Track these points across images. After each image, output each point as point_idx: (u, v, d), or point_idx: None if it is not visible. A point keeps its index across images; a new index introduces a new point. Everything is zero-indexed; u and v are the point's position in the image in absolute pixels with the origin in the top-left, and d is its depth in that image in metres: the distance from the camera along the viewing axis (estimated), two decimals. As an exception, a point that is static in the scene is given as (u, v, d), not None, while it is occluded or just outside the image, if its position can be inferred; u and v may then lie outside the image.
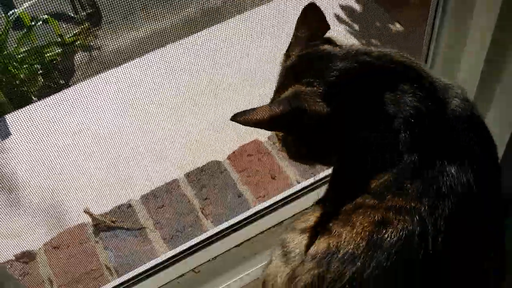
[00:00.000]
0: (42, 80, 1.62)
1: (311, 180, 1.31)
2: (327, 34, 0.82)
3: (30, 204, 1.47)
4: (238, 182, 1.44)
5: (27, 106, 1.36)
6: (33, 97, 1.64)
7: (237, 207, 1.39)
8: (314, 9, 0.81)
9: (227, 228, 1.23)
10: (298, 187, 1.30)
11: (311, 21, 0.81)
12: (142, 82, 1.62)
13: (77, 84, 1.61)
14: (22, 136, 1.19)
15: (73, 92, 1.54)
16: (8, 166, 1.48)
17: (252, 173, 1.46)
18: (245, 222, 1.25)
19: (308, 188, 1.28)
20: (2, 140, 1.52)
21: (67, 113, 1.51)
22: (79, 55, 1.68)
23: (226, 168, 1.48)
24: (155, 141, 1.60)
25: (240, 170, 1.47)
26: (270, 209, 1.27)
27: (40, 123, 1.17)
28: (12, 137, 1.46)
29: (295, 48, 0.81)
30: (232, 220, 1.25)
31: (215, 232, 1.23)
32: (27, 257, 1.36)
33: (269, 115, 0.70)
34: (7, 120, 1.49)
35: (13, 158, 1.46)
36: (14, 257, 1.36)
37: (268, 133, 1.58)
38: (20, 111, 1.26)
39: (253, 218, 1.26)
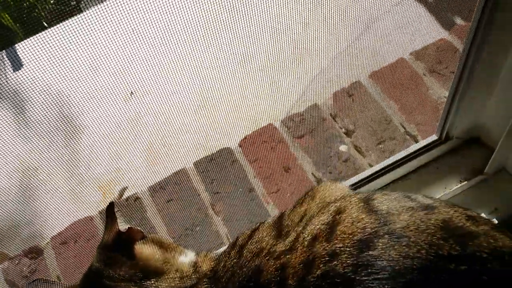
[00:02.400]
0: (52, 3, 1.54)
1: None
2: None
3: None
4: (249, 174, 1.43)
5: (39, 34, 1.29)
6: (44, 23, 1.57)
7: (248, 204, 1.39)
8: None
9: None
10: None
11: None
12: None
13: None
14: (34, 67, 1.15)
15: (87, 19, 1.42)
16: (20, 100, 1.44)
17: (265, 164, 1.44)
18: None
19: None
20: (14, 72, 1.48)
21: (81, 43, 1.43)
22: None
23: (237, 158, 1.46)
24: (161, 117, 1.57)
25: (252, 160, 1.45)
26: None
27: (53, 52, 1.12)
28: (24, 68, 1.40)
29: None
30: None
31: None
32: (34, 252, 1.39)
33: None
34: (18, 51, 1.43)
35: (26, 91, 1.41)
36: (22, 252, 1.39)
37: (282, 116, 1.54)
38: (31, 39, 1.20)
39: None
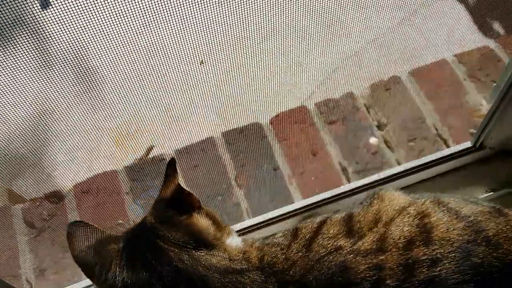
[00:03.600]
0: None
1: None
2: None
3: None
4: (276, 152, 1.46)
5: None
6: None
7: (271, 181, 1.42)
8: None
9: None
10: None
11: None
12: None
13: None
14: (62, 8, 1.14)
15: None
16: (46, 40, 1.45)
17: (293, 144, 1.47)
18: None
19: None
20: (42, 11, 1.49)
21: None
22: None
23: (267, 135, 1.49)
24: (197, 85, 1.59)
25: (281, 139, 1.48)
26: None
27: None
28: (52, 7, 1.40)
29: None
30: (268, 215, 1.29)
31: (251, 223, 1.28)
32: (56, 197, 1.44)
33: None
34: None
35: (51, 31, 1.41)
36: (43, 195, 1.44)
37: (317, 99, 1.57)
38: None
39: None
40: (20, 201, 1.66)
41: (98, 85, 1.47)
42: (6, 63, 1.06)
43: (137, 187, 1.43)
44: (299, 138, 1.49)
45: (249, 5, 1.20)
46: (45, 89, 1.29)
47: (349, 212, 0.89)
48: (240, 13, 1.25)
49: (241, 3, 1.17)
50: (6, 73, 1.08)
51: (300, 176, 1.43)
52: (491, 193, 1.24)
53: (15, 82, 1.13)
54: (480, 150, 1.26)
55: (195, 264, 0.77)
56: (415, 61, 1.58)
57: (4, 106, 1.12)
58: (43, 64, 1.42)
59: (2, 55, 1.11)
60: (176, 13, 1.13)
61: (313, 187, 1.41)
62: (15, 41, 1.20)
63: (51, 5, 1.42)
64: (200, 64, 1.43)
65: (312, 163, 1.45)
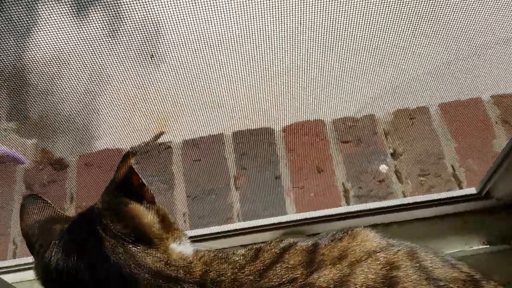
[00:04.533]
0: None
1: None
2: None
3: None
4: (282, 161, 1.45)
5: None
6: None
7: (269, 189, 1.41)
8: None
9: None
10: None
11: None
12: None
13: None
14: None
15: None
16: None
17: (300, 156, 1.45)
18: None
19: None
20: None
21: None
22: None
23: (276, 142, 1.48)
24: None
25: (289, 149, 1.47)
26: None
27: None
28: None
29: None
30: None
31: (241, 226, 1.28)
32: (60, 164, 1.48)
33: None
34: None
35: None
36: (48, 161, 1.49)
37: (336, 115, 1.54)
38: None
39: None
40: (51, 157, 1.72)
41: (155, 64, 1.50)
42: (79, 26, 1.09)
43: (137, 170, 1.45)
44: (308, 151, 1.47)
45: (286, 13, 1.20)
46: (104, 57, 1.34)
47: (315, 242, 0.85)
48: (278, 20, 1.25)
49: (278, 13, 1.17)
50: (76, 35, 1.12)
51: (299, 189, 1.41)
52: (487, 246, 1.18)
53: (80, 45, 1.17)
54: (485, 199, 1.20)
55: (128, 259, 0.76)
56: (448, 95, 1.52)
57: (63, 67, 1.17)
58: (110, 34, 1.47)
59: (77, 20, 1.15)
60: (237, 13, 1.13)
61: (310, 203, 1.38)
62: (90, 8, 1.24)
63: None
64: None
65: (315, 179, 1.42)
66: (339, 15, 1.27)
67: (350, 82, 1.59)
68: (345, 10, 1.28)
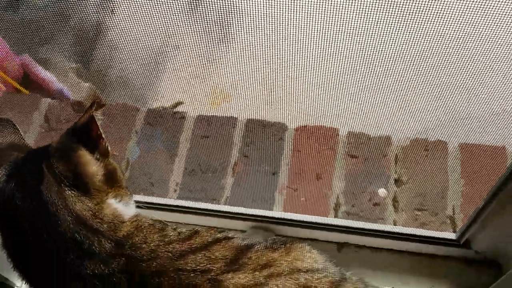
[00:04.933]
0: None
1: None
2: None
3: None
4: (284, 159, 1.45)
5: None
6: None
7: (264, 183, 1.42)
8: None
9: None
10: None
11: None
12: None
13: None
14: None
15: None
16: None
17: (304, 159, 1.45)
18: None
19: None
20: None
21: None
22: None
23: (285, 139, 1.48)
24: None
25: (295, 149, 1.47)
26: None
27: None
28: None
29: None
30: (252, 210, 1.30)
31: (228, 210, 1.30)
32: (80, 107, 1.56)
33: None
34: None
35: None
36: (72, 101, 1.57)
37: (352, 128, 1.52)
38: None
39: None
40: (100, 103, 1.81)
41: (230, 40, 1.54)
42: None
43: (146, 132, 1.50)
44: (313, 156, 1.46)
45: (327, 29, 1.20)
46: (180, 26, 1.38)
47: (250, 243, 0.85)
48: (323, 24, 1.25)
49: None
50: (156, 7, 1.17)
51: (293, 191, 1.41)
52: (453, 295, 1.15)
53: (159, 11, 1.23)
54: (463, 248, 1.16)
55: (58, 199, 0.79)
56: (471, 136, 1.47)
57: (141, 27, 1.23)
58: (190, 7, 1.53)
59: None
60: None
61: (297, 207, 1.39)
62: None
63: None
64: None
65: (311, 184, 1.42)
66: (376, 38, 1.26)
67: (375, 98, 1.57)
68: (384, 33, 1.26)
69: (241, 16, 1.24)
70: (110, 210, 0.83)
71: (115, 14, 1.61)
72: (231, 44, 1.57)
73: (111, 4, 1.63)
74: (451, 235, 1.18)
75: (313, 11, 1.20)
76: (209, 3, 1.27)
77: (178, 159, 1.46)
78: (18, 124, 0.95)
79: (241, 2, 1.14)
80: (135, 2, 1.14)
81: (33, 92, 1.95)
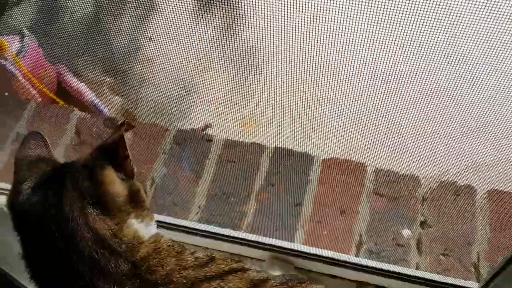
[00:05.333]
0: None
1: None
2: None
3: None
4: (309, 190, 1.44)
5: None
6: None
7: (286, 213, 1.41)
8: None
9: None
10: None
11: None
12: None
13: None
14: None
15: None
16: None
17: (329, 192, 1.44)
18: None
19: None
20: None
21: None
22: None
23: (312, 170, 1.47)
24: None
25: (321, 181, 1.46)
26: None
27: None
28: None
29: None
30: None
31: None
32: (112, 122, 1.58)
33: None
34: None
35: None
36: (104, 117, 1.59)
37: (381, 165, 1.50)
38: None
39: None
40: (132, 119, 1.85)
41: (263, 67, 1.55)
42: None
43: (174, 152, 1.51)
44: (339, 190, 1.45)
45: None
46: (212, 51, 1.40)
47: (265, 277, 0.85)
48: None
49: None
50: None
51: (315, 223, 1.40)
52: None
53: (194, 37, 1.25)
54: (486, 300, 1.13)
55: (79, 216, 0.79)
56: (503, 184, 1.44)
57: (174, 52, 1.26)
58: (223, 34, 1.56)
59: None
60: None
61: (319, 240, 1.37)
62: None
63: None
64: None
65: (334, 219, 1.41)
66: (414, 81, 1.25)
67: (407, 136, 1.55)
68: (420, 76, 1.26)
69: (273, 47, 1.26)
70: (130, 231, 0.83)
71: (153, 37, 1.64)
72: (264, 71, 1.58)
73: (149, 27, 1.66)
74: (474, 285, 1.15)
75: (343, 49, 1.21)
76: (242, 33, 1.29)
77: (202, 181, 1.47)
78: (49, 136, 0.96)
79: (275, 33, 1.15)
80: (173, 25, 1.16)
81: (66, 103, 1.99)
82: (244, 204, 1.43)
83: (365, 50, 1.32)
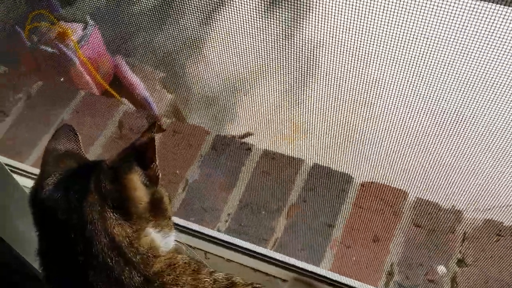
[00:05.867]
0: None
1: None
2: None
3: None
4: (342, 212, 1.39)
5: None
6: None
7: (316, 233, 1.37)
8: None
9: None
10: None
11: None
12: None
13: None
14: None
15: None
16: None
17: (363, 217, 1.38)
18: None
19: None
20: None
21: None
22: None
23: (348, 191, 1.42)
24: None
25: (357, 204, 1.40)
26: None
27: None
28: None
29: None
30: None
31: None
32: (153, 119, 1.58)
33: None
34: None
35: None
36: (153, 112, 1.59)
37: (422, 195, 1.43)
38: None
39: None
40: (182, 120, 1.86)
41: (312, 80, 1.53)
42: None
43: (211, 156, 1.49)
44: (374, 216, 1.39)
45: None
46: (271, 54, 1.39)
47: None
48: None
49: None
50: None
51: (345, 248, 1.34)
52: None
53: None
54: None
55: (98, 219, 0.78)
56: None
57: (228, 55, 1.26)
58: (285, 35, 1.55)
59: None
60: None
61: (347, 266, 1.32)
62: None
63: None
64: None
65: (365, 246, 1.35)
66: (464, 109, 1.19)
67: (453, 166, 1.47)
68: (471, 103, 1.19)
69: (334, 61, 1.21)
70: (147, 240, 0.80)
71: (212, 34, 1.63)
72: (313, 85, 1.55)
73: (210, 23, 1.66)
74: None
75: (396, 71, 1.15)
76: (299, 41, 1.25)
77: (235, 190, 1.44)
78: (93, 127, 0.95)
79: (332, 44, 1.11)
80: (233, 27, 1.14)
81: (120, 95, 2.01)
82: (274, 217, 1.39)
83: (427, 84, 1.27)
